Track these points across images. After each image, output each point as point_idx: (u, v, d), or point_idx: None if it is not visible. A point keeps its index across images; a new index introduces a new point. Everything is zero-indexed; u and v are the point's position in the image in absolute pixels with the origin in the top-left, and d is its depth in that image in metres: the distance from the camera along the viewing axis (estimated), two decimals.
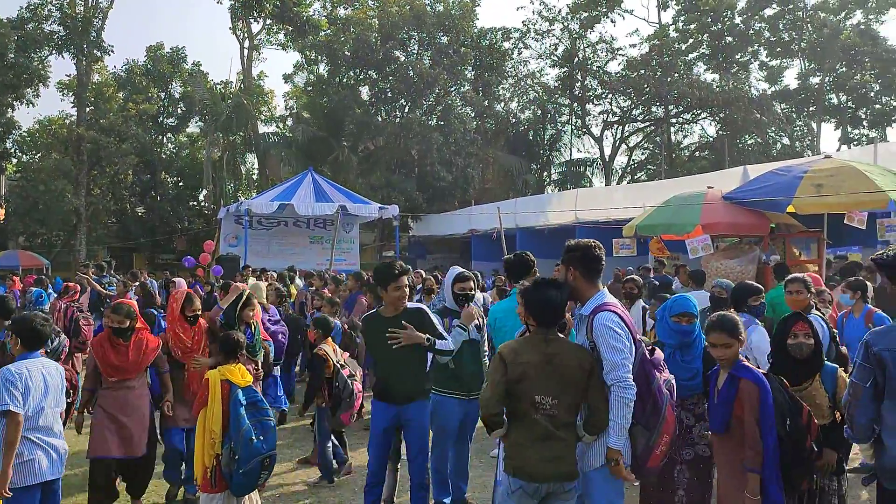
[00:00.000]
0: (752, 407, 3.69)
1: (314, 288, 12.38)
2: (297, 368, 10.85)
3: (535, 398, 3.57)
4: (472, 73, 35.16)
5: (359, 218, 22.91)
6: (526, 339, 3.76)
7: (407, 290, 4.99)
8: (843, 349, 5.69)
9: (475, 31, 33.87)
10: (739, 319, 3.97)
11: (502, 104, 37.58)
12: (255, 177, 37.61)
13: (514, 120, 37.88)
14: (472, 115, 34.23)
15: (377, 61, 31.15)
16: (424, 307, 5.16)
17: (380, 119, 32.15)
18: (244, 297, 6.41)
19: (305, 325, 10.31)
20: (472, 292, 5.59)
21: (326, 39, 31.81)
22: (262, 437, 4.63)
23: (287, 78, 38.07)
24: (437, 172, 29.37)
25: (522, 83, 37.54)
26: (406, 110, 32.49)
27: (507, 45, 36.53)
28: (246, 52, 34.72)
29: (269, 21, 33.41)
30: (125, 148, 30.04)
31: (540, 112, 37.89)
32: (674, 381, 3.90)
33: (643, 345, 3.85)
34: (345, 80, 33.06)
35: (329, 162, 29.29)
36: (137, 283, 12.56)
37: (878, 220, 9.97)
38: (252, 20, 33.09)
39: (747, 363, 3.93)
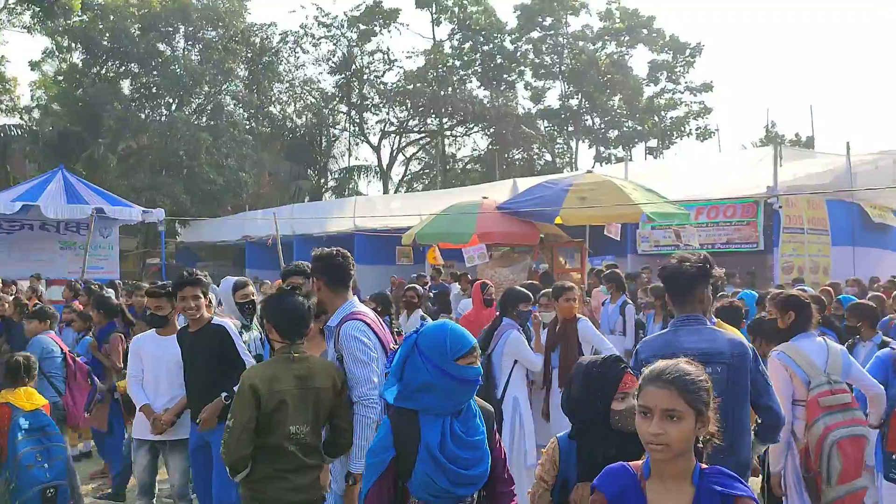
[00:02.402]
0: None
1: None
2: None
3: (290, 430, 3.25)
4: (246, 71, 33.89)
5: (118, 222, 21.00)
6: (275, 362, 3.38)
7: (196, 302, 4.58)
8: None
9: (244, 25, 32.64)
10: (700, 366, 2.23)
11: (279, 107, 36.67)
12: None
13: (290, 124, 37.10)
14: (245, 116, 32.98)
15: (139, 54, 28.92)
16: (229, 326, 4.70)
17: (143, 116, 29.89)
18: None
19: None
20: (255, 296, 5.32)
21: (80, 25, 28.93)
22: (46, 465, 4.16)
23: (34, 65, 34.08)
24: (207, 175, 27.86)
25: (299, 88, 36.90)
26: (173, 108, 30.52)
27: (281, 45, 35.67)
28: None
29: None
30: None
31: (314, 119, 37.35)
32: None
33: None
34: (103, 71, 30.32)
35: (83, 160, 26.64)
36: None
37: (637, 231, 10.83)
38: None
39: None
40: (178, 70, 29.26)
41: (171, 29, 30.45)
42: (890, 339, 5.06)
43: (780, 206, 12.84)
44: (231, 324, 4.81)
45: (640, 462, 2.18)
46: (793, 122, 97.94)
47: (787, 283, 10.38)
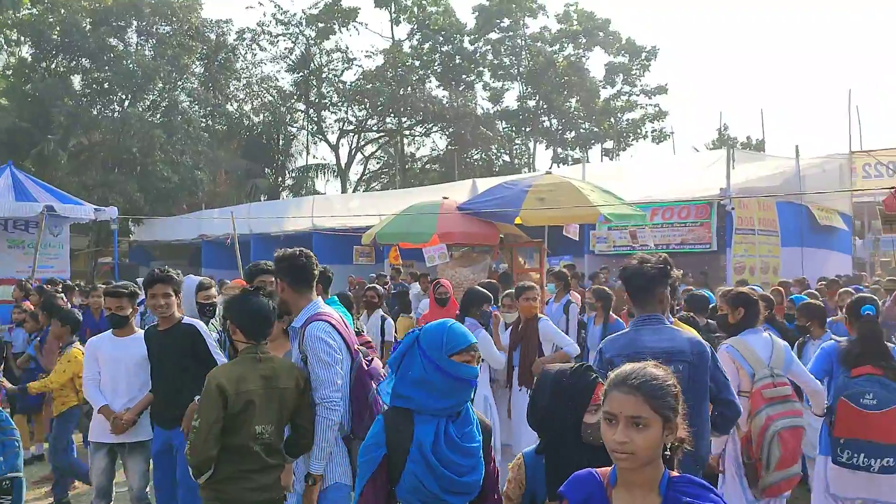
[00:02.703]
0: None
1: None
2: None
3: (255, 430, 3.28)
4: (201, 68, 33.36)
5: (69, 220, 20.50)
6: (242, 363, 3.39)
7: (166, 300, 4.54)
8: None
9: (198, 20, 32.15)
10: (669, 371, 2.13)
11: (235, 105, 36.18)
12: None
13: (247, 122, 36.64)
14: (201, 113, 32.47)
15: (90, 49, 28.28)
16: (200, 325, 4.64)
17: (94, 112, 29.24)
18: None
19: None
20: (216, 300, 5.30)
21: (30, 19, 28.17)
22: (1, 458, 3.93)
23: None
24: (162, 172, 27.37)
25: (256, 85, 36.46)
26: (126, 104, 29.92)
27: (237, 42, 35.23)
28: None
29: None
30: None
31: (271, 117, 36.95)
32: None
33: (360, 355, 3.71)
34: (53, 66, 29.58)
35: (33, 156, 25.97)
36: None
37: (593, 232, 10.95)
38: None
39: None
40: (131, 66, 28.71)
41: (122, 23, 29.86)
42: (837, 338, 5.25)
43: (733, 208, 13.14)
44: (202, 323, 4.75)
45: (607, 469, 2.08)
46: (745, 125, 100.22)
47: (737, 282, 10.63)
